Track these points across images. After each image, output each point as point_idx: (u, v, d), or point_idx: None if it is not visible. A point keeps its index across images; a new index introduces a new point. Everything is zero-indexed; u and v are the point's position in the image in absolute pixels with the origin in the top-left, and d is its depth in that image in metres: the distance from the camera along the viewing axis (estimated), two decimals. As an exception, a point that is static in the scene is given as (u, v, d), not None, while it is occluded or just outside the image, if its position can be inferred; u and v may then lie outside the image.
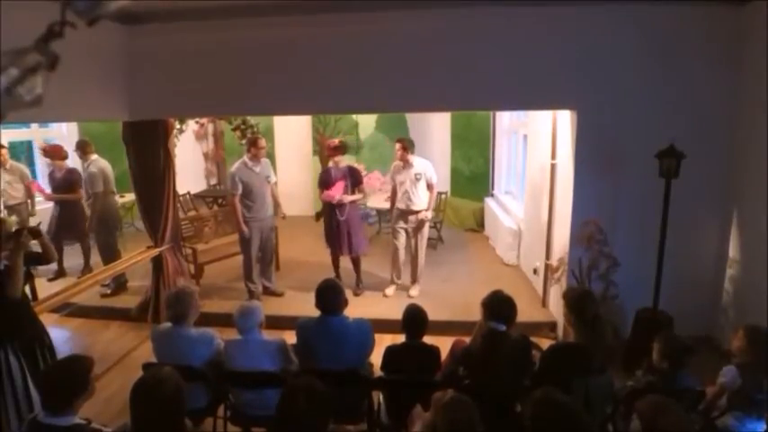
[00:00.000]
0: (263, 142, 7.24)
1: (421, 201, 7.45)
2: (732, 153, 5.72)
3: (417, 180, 7.36)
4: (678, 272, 5.61)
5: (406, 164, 7.39)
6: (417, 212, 7.46)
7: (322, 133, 12.00)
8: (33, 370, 4.23)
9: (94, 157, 7.86)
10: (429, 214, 7.68)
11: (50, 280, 8.04)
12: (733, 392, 3.61)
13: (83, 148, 7.84)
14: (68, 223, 8.16)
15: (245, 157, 7.19)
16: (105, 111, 6.25)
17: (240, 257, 7.95)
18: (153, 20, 5.94)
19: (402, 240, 7.73)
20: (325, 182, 7.44)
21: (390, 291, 7.80)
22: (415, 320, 4.25)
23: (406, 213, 7.53)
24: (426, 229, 7.71)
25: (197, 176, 13.04)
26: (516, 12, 5.55)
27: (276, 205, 7.62)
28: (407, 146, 7.34)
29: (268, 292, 7.71)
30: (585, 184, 5.89)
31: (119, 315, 7.20)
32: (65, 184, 8.06)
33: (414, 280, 7.78)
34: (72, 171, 8.13)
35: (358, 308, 6.74)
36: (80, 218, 8.16)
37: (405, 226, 7.62)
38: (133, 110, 6.36)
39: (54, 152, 8.11)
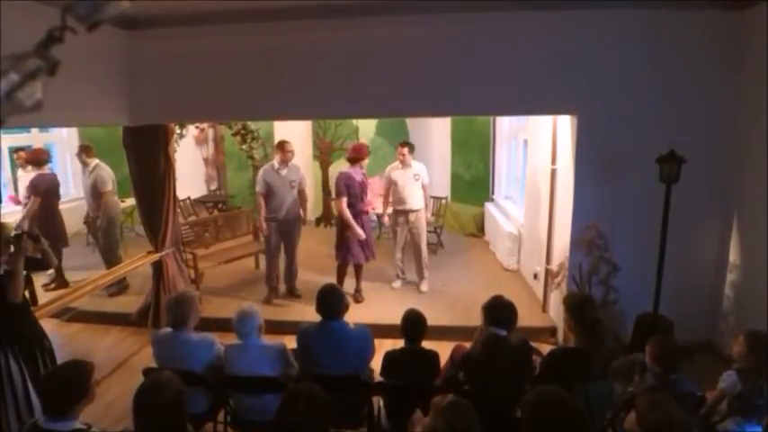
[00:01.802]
0: (289, 146, 7.45)
1: (417, 201, 7.76)
2: (732, 158, 5.72)
3: (416, 181, 7.68)
4: (678, 277, 5.60)
5: (405, 165, 7.68)
6: (415, 211, 7.76)
7: (322, 138, 12.00)
8: (33, 374, 4.22)
9: (97, 160, 8.01)
10: (428, 215, 8.28)
11: (45, 286, 7.89)
12: (733, 397, 3.60)
13: (87, 152, 7.96)
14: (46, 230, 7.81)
15: (275, 160, 7.45)
16: (106, 115, 6.25)
17: (240, 263, 8.03)
18: (153, 25, 5.95)
19: (400, 240, 8.04)
20: (349, 186, 7.29)
21: (397, 284, 8.20)
22: (413, 325, 4.25)
23: (403, 213, 7.81)
24: (424, 227, 8.00)
25: (197, 181, 13.04)
26: (516, 17, 5.56)
27: (303, 209, 7.84)
28: (411, 149, 7.74)
29: (293, 294, 7.83)
30: (586, 188, 5.90)
31: (119, 320, 7.19)
32: (50, 189, 8.01)
33: (421, 276, 8.03)
34: (54, 176, 8.20)
35: (359, 310, 6.76)
36: (58, 224, 8.12)
37: (403, 225, 7.91)
38: (133, 114, 6.36)
39: (39, 157, 8.11)
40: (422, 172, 7.77)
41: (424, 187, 7.82)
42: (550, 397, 2.68)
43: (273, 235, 7.47)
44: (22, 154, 8.63)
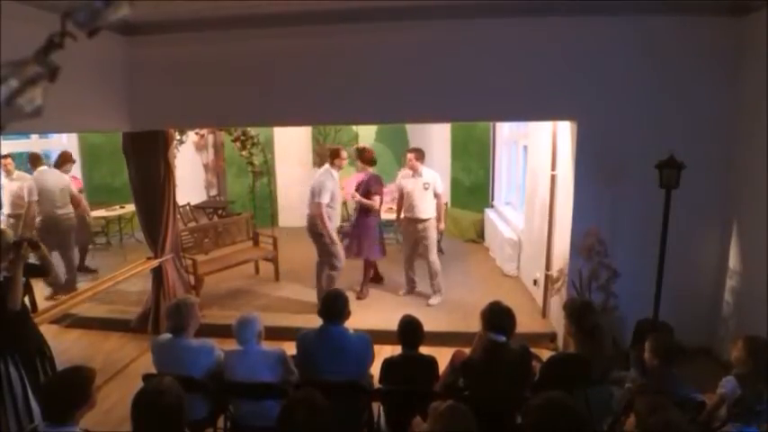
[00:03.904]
0: (345, 153, 7.42)
1: (427, 209, 7.55)
2: (732, 164, 5.73)
3: (425, 189, 7.48)
4: (678, 283, 5.59)
5: (416, 173, 7.53)
6: (424, 221, 7.56)
7: (322, 144, 12.01)
8: (33, 381, 4.22)
9: (41, 168, 8.10)
10: (442, 226, 7.90)
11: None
12: (733, 403, 3.60)
13: (33, 162, 8.10)
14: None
15: (330, 168, 7.30)
16: (106, 121, 6.26)
17: (240, 269, 8.01)
18: (153, 31, 5.96)
19: (405, 248, 7.91)
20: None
21: (403, 291, 8.07)
22: (409, 331, 4.24)
23: (412, 221, 7.64)
24: (433, 238, 7.75)
25: (197, 187, 13.05)
26: (516, 23, 5.58)
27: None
28: (419, 156, 7.53)
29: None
30: (585, 194, 5.90)
31: (119, 326, 7.17)
32: None
33: (434, 290, 7.82)
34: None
35: (360, 316, 6.75)
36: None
37: (412, 234, 7.74)
38: (133, 120, 6.37)
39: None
40: (433, 181, 7.57)
41: (437, 196, 7.63)
42: (557, 402, 2.67)
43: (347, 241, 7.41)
44: (7, 161, 8.62)
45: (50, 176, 8.02)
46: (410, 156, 7.56)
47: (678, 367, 3.78)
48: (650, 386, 3.67)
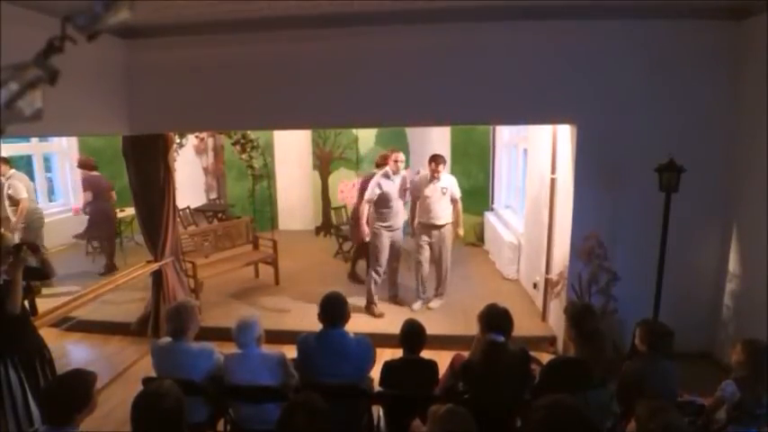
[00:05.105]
0: (401, 156, 7.40)
1: (444, 215, 7.43)
2: (732, 167, 5.73)
3: (443, 195, 7.36)
4: (678, 286, 5.60)
5: (434, 178, 7.35)
6: (441, 226, 7.44)
7: (322, 148, 12.02)
8: (33, 384, 4.22)
9: (12, 171, 8.31)
10: (461, 231, 7.74)
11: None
12: (732, 406, 3.60)
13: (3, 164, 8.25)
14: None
15: (388, 169, 7.34)
16: (105, 125, 6.26)
17: (239, 272, 7.96)
18: (153, 34, 5.96)
19: (426, 254, 7.65)
20: None
21: (417, 306, 7.72)
22: (413, 335, 4.24)
23: (429, 227, 7.50)
24: (450, 243, 7.62)
25: (197, 191, 13.04)
26: (516, 26, 5.59)
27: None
28: (444, 162, 7.42)
29: (395, 300, 7.84)
30: (585, 198, 5.90)
31: (119, 329, 7.17)
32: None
33: (437, 293, 7.76)
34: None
35: (360, 319, 6.74)
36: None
37: (428, 239, 7.56)
38: (133, 124, 6.37)
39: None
40: (450, 186, 7.43)
41: (454, 201, 7.49)
42: (564, 404, 2.68)
43: (386, 245, 7.39)
44: None
45: (19, 180, 8.33)
46: (439, 165, 7.26)
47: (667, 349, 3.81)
48: (642, 371, 3.72)
